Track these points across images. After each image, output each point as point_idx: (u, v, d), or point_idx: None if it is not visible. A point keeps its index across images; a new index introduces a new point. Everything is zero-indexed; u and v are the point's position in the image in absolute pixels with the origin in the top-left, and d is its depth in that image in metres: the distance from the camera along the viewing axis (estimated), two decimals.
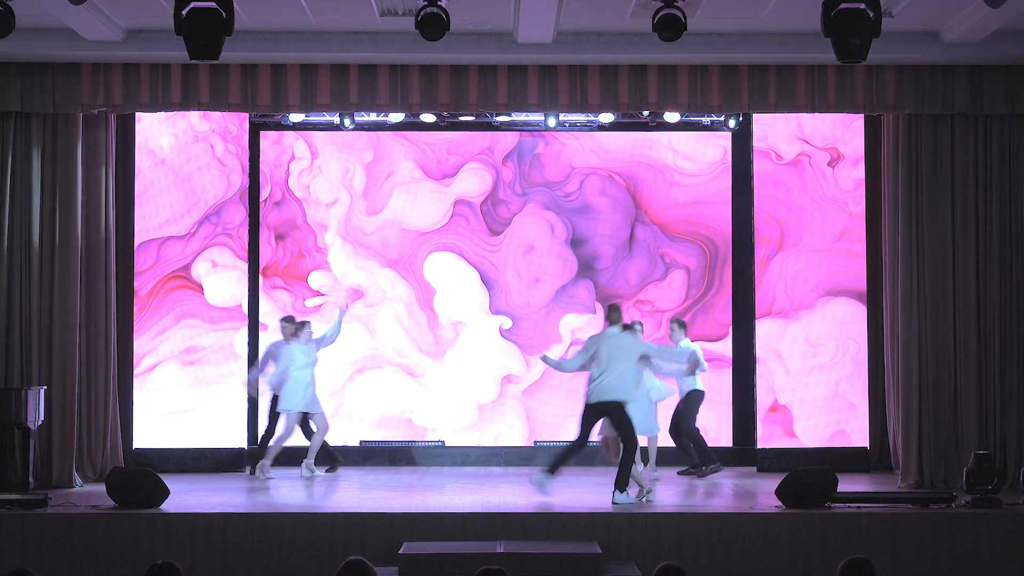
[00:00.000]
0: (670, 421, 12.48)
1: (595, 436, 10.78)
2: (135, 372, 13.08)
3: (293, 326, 12.66)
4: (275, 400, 12.64)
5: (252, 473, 12.59)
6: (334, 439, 13.25)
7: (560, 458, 10.68)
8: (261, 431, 12.97)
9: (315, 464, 12.51)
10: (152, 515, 9.81)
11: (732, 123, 13.52)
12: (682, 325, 12.55)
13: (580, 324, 13.76)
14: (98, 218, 12.33)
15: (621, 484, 10.36)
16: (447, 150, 13.90)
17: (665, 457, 12.58)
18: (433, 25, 9.52)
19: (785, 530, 9.66)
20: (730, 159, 13.82)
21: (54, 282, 11.93)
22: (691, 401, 12.43)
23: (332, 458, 12.86)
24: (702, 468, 12.31)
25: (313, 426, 12.63)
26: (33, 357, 11.83)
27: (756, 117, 13.28)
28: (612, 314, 10.81)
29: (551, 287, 13.85)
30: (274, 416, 12.66)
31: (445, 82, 11.71)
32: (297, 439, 12.57)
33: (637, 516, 9.79)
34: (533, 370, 13.74)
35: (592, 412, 10.60)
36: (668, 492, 11.35)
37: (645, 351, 10.79)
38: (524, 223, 13.90)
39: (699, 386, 12.42)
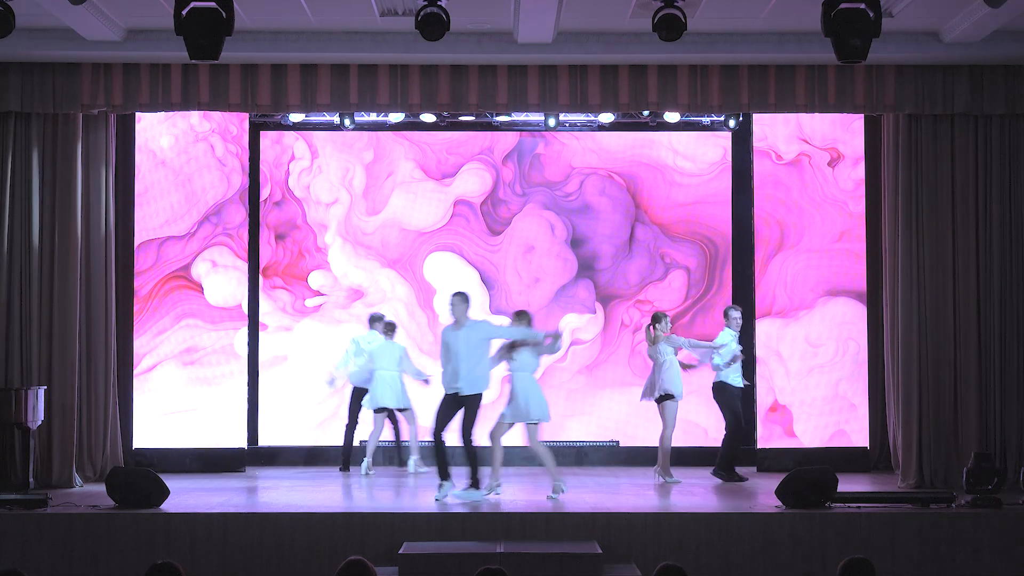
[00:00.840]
0: None
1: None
2: (135, 372, 13.08)
3: (383, 324, 12.92)
4: (355, 394, 12.95)
5: (346, 470, 12.83)
6: (334, 438, 13.27)
7: (443, 463, 10.59)
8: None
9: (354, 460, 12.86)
10: (152, 515, 9.81)
11: (732, 123, 13.52)
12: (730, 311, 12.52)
13: (580, 324, 13.76)
14: (98, 218, 12.33)
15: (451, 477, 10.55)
16: (447, 150, 13.90)
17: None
18: (433, 25, 9.52)
19: (785, 530, 9.66)
20: (730, 159, 13.82)
21: (54, 282, 11.93)
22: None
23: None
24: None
25: (404, 422, 12.93)
26: (33, 357, 11.83)
27: (756, 117, 13.28)
28: (455, 304, 10.76)
29: (551, 287, 13.85)
30: (354, 410, 12.99)
31: (445, 82, 11.71)
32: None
33: (637, 516, 9.79)
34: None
35: (448, 403, 10.69)
36: (668, 492, 11.34)
37: (496, 336, 10.87)
38: (524, 223, 13.90)
39: (723, 378, 12.36)
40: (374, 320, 13.04)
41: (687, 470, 12.62)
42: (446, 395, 10.69)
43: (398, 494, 11.15)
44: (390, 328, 12.94)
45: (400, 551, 9.17)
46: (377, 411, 12.78)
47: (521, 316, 11.08)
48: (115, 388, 12.51)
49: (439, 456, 10.52)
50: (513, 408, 10.86)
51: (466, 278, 13.84)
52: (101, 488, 10.62)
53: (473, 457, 10.52)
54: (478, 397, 10.68)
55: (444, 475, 10.49)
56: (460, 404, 10.63)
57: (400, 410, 12.85)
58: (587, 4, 10.56)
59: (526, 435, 10.99)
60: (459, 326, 10.70)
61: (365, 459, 12.64)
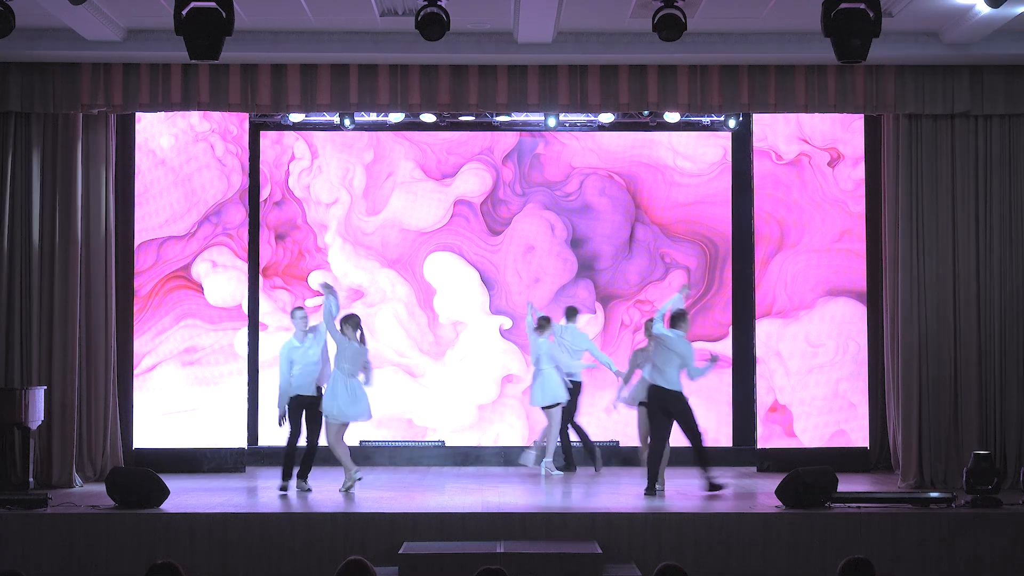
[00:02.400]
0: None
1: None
2: (135, 372, 13.08)
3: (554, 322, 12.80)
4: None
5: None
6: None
7: (290, 460, 11.40)
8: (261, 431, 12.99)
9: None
10: (152, 515, 9.81)
11: (732, 123, 13.52)
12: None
13: (580, 324, 13.75)
14: (98, 218, 12.33)
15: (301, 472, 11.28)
16: (447, 150, 13.90)
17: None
18: (433, 25, 9.53)
19: (785, 530, 9.66)
20: (730, 159, 13.82)
21: (54, 282, 11.93)
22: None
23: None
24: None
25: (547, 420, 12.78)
26: (33, 357, 11.83)
27: (756, 117, 13.28)
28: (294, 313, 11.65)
29: (551, 287, 13.85)
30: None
31: (445, 82, 11.72)
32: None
33: (637, 516, 9.79)
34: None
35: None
36: (669, 492, 11.33)
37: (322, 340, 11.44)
38: (524, 223, 13.90)
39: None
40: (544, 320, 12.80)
41: (689, 470, 12.63)
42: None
43: (398, 494, 11.15)
44: (545, 323, 12.75)
45: (400, 551, 9.17)
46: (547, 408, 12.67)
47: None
48: (115, 388, 12.51)
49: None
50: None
51: (466, 278, 13.85)
52: (101, 488, 10.62)
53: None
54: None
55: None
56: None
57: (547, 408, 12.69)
58: (587, 4, 10.55)
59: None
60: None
61: (546, 459, 12.59)
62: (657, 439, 11.06)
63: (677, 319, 11.10)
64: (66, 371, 11.90)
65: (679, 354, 10.97)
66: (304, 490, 11.15)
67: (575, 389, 12.81)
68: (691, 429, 11.02)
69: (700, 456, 11.16)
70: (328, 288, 11.24)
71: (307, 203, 13.84)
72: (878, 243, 12.84)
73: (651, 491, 10.87)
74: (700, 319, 13.70)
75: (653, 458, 11.04)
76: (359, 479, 11.18)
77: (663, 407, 10.99)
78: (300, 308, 11.82)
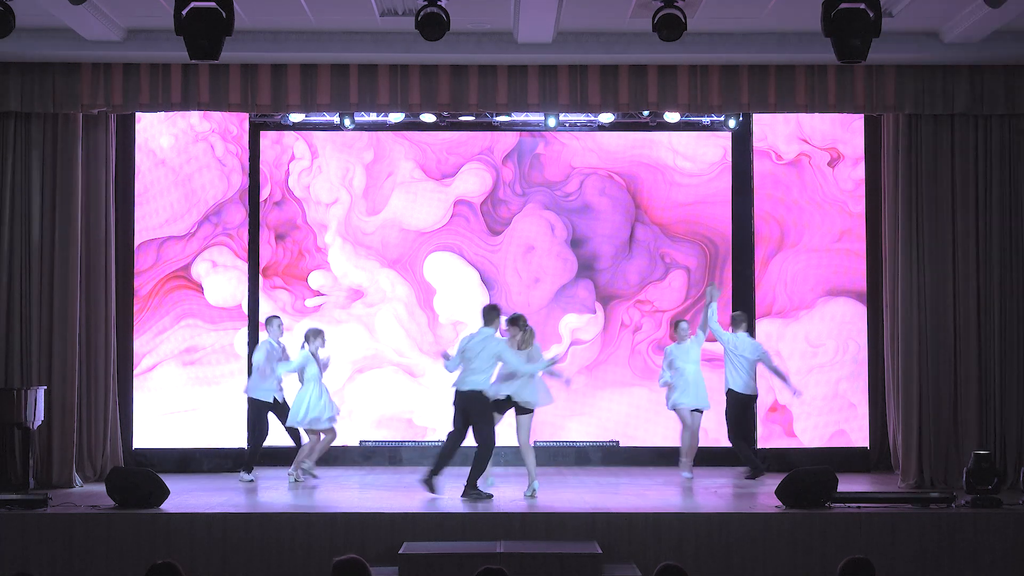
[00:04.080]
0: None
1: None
2: (135, 372, 13.09)
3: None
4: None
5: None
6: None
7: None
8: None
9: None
10: (152, 515, 9.81)
11: (732, 123, 13.52)
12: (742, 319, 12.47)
13: (580, 324, 13.76)
14: (98, 218, 12.33)
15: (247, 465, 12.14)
16: (447, 150, 13.90)
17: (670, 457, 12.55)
18: (433, 25, 9.53)
19: (785, 530, 9.66)
20: (730, 159, 13.82)
21: (54, 282, 11.94)
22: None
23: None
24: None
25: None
26: (33, 357, 11.83)
27: (756, 117, 13.29)
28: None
29: (551, 287, 13.85)
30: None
31: (445, 82, 11.72)
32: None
33: (637, 516, 9.79)
34: None
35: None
36: (668, 492, 11.35)
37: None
38: (524, 223, 13.90)
39: (733, 385, 12.24)
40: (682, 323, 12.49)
41: (700, 469, 12.64)
42: None
43: (398, 494, 11.15)
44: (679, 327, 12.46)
45: (400, 551, 9.17)
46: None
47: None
48: (115, 388, 12.51)
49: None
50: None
51: (466, 278, 13.85)
52: (101, 488, 10.62)
53: None
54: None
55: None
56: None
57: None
58: (587, 4, 10.56)
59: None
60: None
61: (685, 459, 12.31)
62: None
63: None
64: (66, 371, 11.91)
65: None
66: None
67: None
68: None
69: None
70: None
71: (307, 203, 13.84)
72: (878, 243, 12.84)
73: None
74: (700, 319, 13.65)
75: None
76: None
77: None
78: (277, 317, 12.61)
